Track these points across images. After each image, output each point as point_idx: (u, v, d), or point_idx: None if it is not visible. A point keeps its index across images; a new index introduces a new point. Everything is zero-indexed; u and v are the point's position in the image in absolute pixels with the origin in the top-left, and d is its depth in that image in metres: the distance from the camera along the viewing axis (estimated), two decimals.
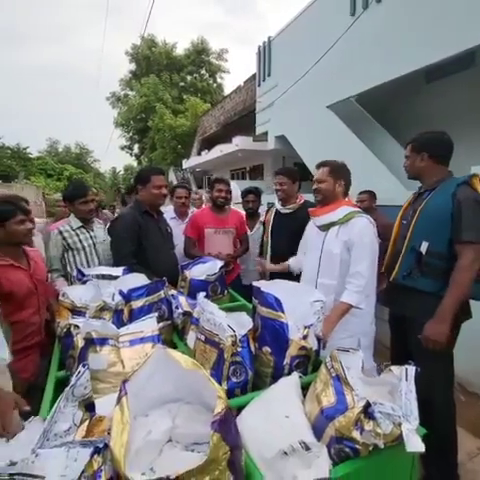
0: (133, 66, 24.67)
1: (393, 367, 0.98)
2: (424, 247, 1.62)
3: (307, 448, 0.80)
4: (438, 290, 1.58)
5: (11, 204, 1.63)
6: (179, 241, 2.78)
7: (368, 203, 3.39)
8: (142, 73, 23.56)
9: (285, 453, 0.80)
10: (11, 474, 0.62)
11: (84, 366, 0.89)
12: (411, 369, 0.93)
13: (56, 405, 0.80)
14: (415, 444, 0.79)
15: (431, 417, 1.43)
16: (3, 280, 1.53)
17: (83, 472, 0.65)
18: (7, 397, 1.00)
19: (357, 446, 0.83)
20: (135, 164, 28.73)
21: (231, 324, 1.20)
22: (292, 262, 2.26)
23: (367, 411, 0.83)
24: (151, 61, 23.54)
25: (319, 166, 1.97)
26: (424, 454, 1.52)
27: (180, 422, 0.88)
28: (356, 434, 0.82)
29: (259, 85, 7.65)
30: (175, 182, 14.95)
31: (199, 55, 24.37)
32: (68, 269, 2.23)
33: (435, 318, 1.54)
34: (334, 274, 1.85)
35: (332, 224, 1.89)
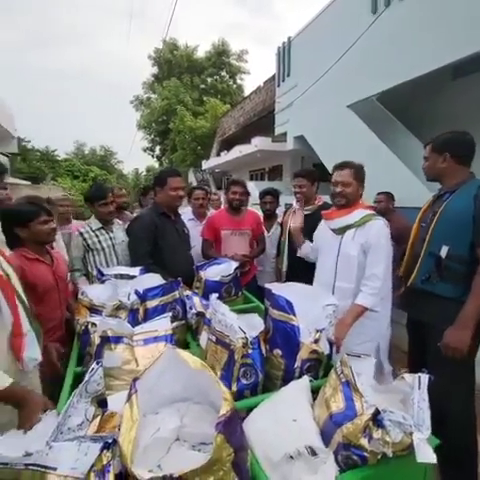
0: (155, 69, 25.23)
1: (406, 375, 0.96)
2: (444, 251, 1.56)
3: (313, 453, 0.80)
4: (459, 295, 1.52)
5: (35, 205, 1.71)
6: (197, 242, 2.82)
7: (385, 204, 3.33)
8: (164, 76, 24.01)
9: (291, 457, 0.80)
10: (26, 464, 0.66)
11: (98, 363, 0.92)
12: (424, 377, 0.90)
13: (70, 400, 0.83)
14: (426, 454, 0.76)
15: (449, 428, 1.38)
16: (28, 273, 1.59)
17: (93, 466, 0.68)
18: (38, 399, 1.04)
19: (365, 454, 0.81)
20: (156, 165, 29.27)
21: (242, 326, 1.20)
22: (306, 245, 2.23)
23: (376, 419, 0.81)
24: (173, 64, 23.95)
25: (341, 168, 1.89)
26: (442, 466, 1.47)
27: (188, 421, 0.89)
28: (364, 441, 0.81)
29: (278, 85, 7.60)
30: (195, 183, 15.13)
31: (219, 57, 24.53)
32: (89, 269, 2.31)
33: (456, 325, 1.48)
34: (352, 277, 1.83)
35: (348, 227, 1.86)
